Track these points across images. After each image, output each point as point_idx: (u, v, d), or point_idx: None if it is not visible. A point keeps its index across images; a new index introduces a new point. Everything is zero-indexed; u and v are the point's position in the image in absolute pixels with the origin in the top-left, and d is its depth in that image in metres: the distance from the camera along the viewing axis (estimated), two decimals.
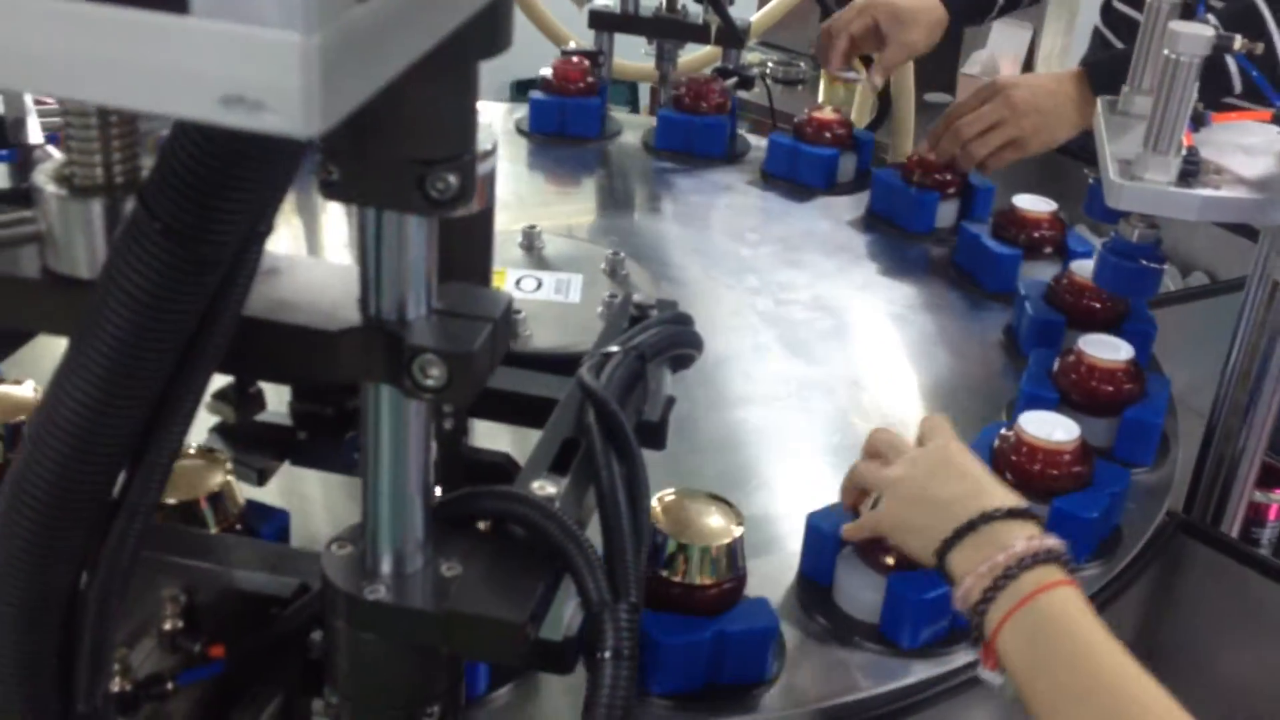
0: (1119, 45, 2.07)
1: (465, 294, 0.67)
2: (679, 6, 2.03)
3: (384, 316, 0.64)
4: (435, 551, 0.72)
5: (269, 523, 1.04)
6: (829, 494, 1.17)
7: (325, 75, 0.37)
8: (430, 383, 0.63)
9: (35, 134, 1.42)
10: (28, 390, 1.09)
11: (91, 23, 0.39)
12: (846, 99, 2.50)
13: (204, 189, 0.52)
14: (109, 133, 0.64)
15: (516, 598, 0.69)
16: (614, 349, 0.92)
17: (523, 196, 1.87)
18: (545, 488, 0.77)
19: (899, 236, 1.78)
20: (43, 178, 0.65)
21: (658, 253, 1.71)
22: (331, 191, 0.61)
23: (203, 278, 0.54)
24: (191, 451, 0.99)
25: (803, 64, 2.98)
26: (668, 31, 2.05)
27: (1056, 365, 1.34)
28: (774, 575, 1.12)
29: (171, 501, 0.98)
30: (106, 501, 0.59)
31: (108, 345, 0.54)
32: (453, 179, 0.60)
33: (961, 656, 1.06)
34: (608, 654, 0.70)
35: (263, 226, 0.56)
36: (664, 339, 0.96)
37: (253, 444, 1.04)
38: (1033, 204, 1.64)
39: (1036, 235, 1.63)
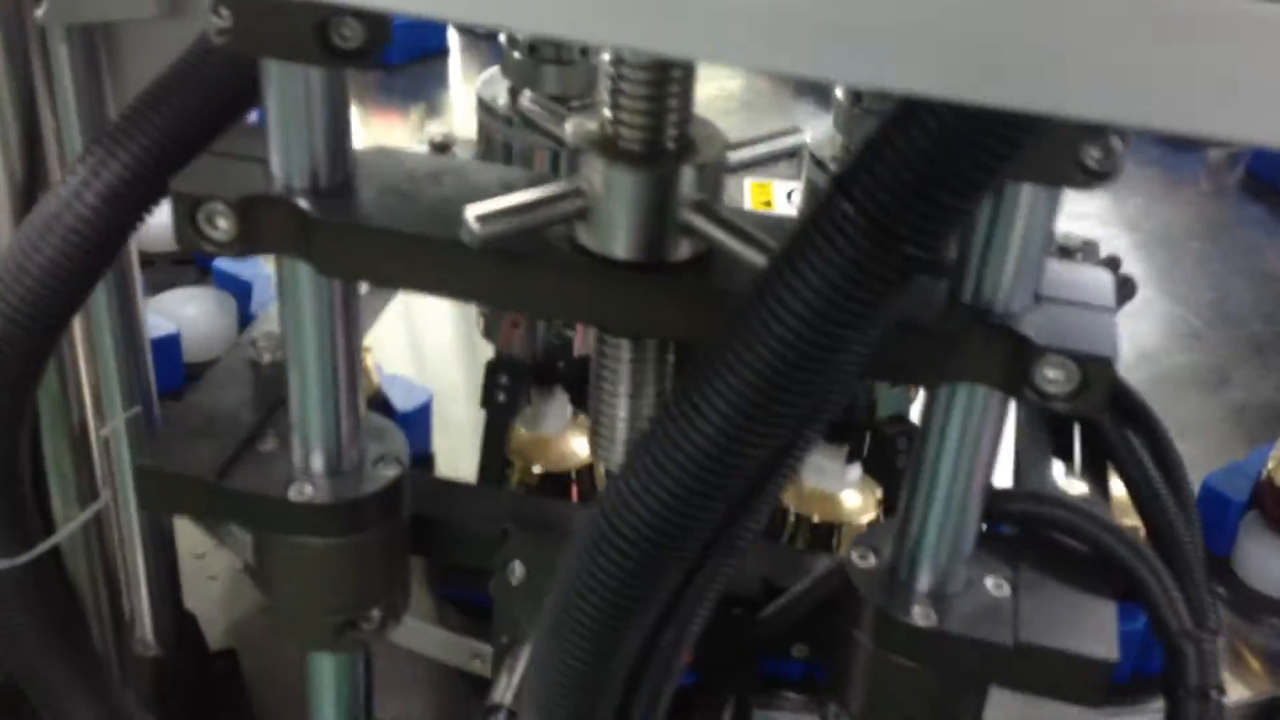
0: None
1: (1064, 274, 0.56)
2: None
3: (993, 308, 0.53)
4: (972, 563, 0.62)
5: None
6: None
7: None
8: (1053, 389, 0.53)
9: None
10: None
11: None
12: None
13: (927, 183, 0.41)
14: (666, 91, 0.53)
15: (1095, 628, 0.59)
16: None
17: (760, 93, 1.74)
18: (1073, 485, 0.67)
19: None
20: (581, 140, 0.54)
21: None
22: None
23: (899, 284, 0.43)
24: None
25: None
26: None
27: None
28: None
29: (538, 471, 0.90)
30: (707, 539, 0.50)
31: (769, 353, 0.44)
32: (1116, 144, 0.49)
33: None
34: (1194, 692, 0.60)
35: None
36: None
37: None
38: None
39: None
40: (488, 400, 0.87)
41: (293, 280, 0.60)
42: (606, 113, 0.54)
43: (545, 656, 0.52)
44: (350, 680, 0.72)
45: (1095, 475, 0.69)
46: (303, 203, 0.56)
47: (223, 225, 0.57)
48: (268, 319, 0.76)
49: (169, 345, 1.06)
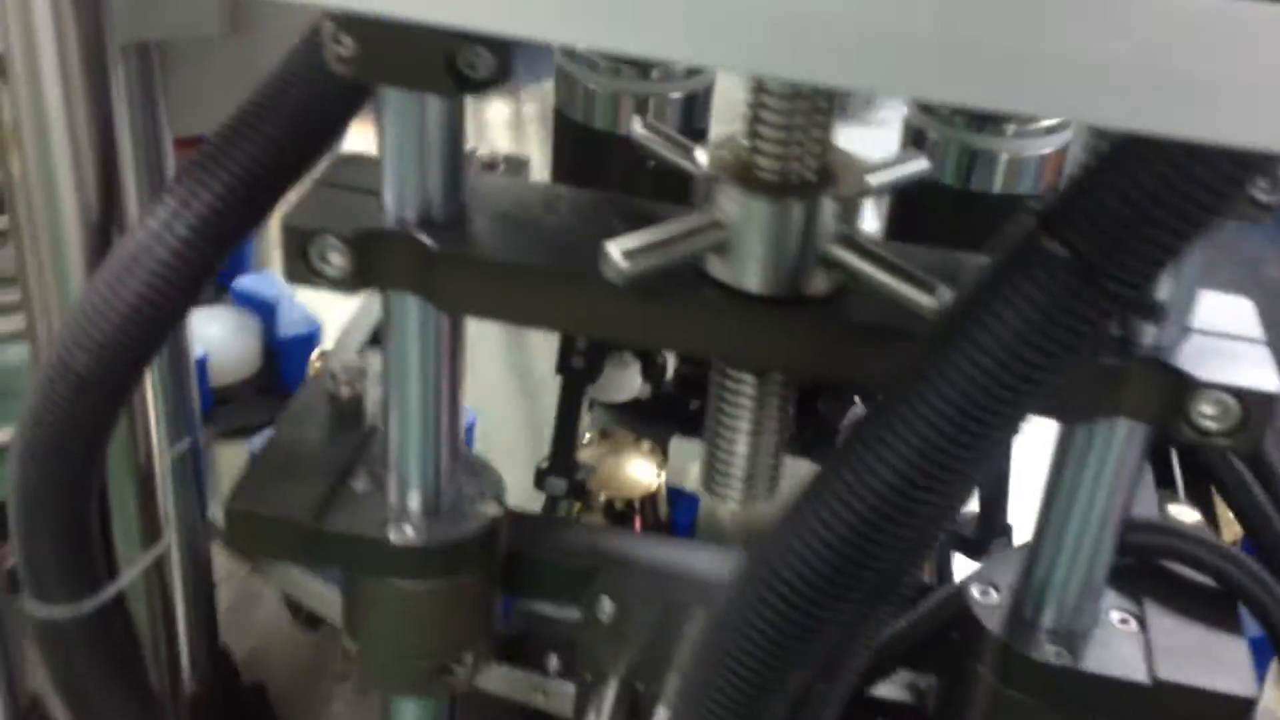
0: None
1: (1209, 304, 0.55)
2: None
3: (1146, 341, 0.52)
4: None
5: (681, 509, 0.93)
6: None
7: None
8: (1212, 425, 0.51)
9: None
10: None
11: None
12: None
13: (1146, 223, 0.40)
14: (813, 120, 0.51)
15: (1230, 664, 0.58)
16: None
17: None
18: (1184, 513, 0.65)
19: None
20: (718, 170, 0.52)
21: None
22: None
23: (1102, 324, 0.42)
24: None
25: None
26: None
27: None
28: None
29: (603, 498, 0.88)
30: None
31: (961, 396, 0.42)
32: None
33: None
34: None
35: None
36: None
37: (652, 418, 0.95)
38: None
39: None
40: (563, 366, 0.84)
41: (400, 315, 0.57)
42: (744, 141, 0.52)
43: (690, 708, 0.50)
44: None
45: (1199, 501, 0.68)
46: (422, 236, 0.54)
47: (336, 261, 0.54)
48: (341, 348, 0.73)
49: (197, 369, 1.02)
